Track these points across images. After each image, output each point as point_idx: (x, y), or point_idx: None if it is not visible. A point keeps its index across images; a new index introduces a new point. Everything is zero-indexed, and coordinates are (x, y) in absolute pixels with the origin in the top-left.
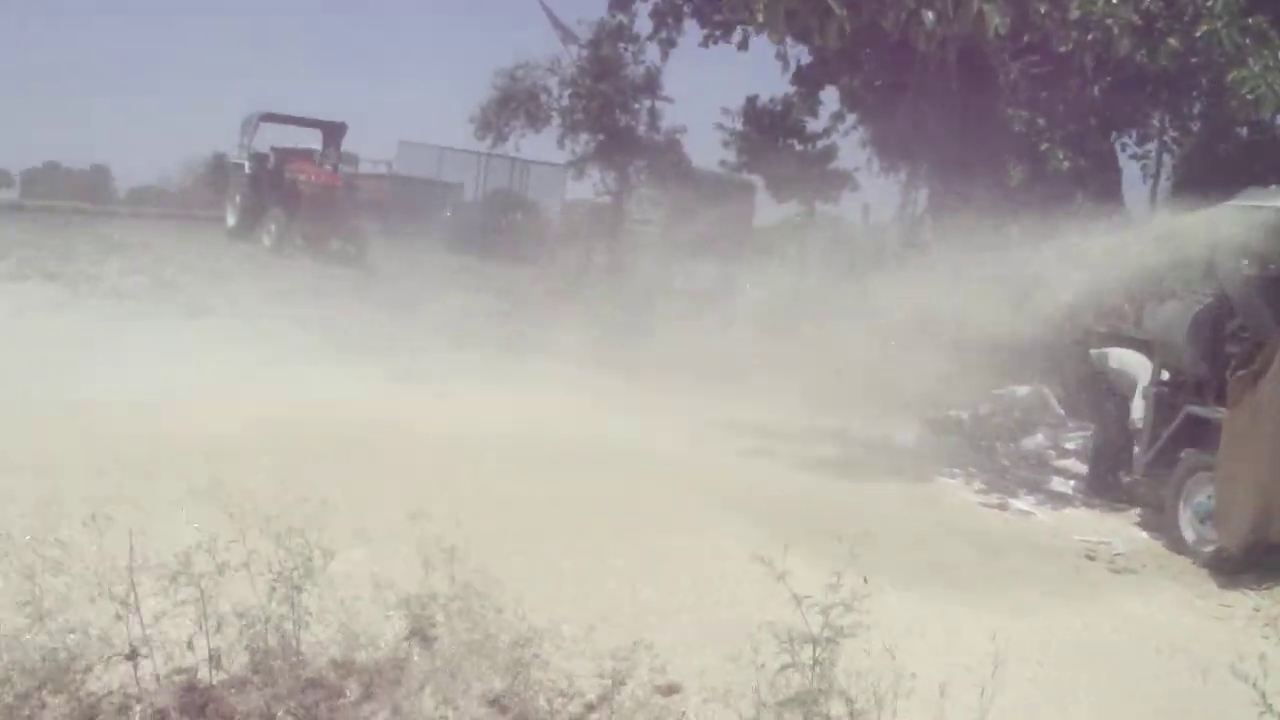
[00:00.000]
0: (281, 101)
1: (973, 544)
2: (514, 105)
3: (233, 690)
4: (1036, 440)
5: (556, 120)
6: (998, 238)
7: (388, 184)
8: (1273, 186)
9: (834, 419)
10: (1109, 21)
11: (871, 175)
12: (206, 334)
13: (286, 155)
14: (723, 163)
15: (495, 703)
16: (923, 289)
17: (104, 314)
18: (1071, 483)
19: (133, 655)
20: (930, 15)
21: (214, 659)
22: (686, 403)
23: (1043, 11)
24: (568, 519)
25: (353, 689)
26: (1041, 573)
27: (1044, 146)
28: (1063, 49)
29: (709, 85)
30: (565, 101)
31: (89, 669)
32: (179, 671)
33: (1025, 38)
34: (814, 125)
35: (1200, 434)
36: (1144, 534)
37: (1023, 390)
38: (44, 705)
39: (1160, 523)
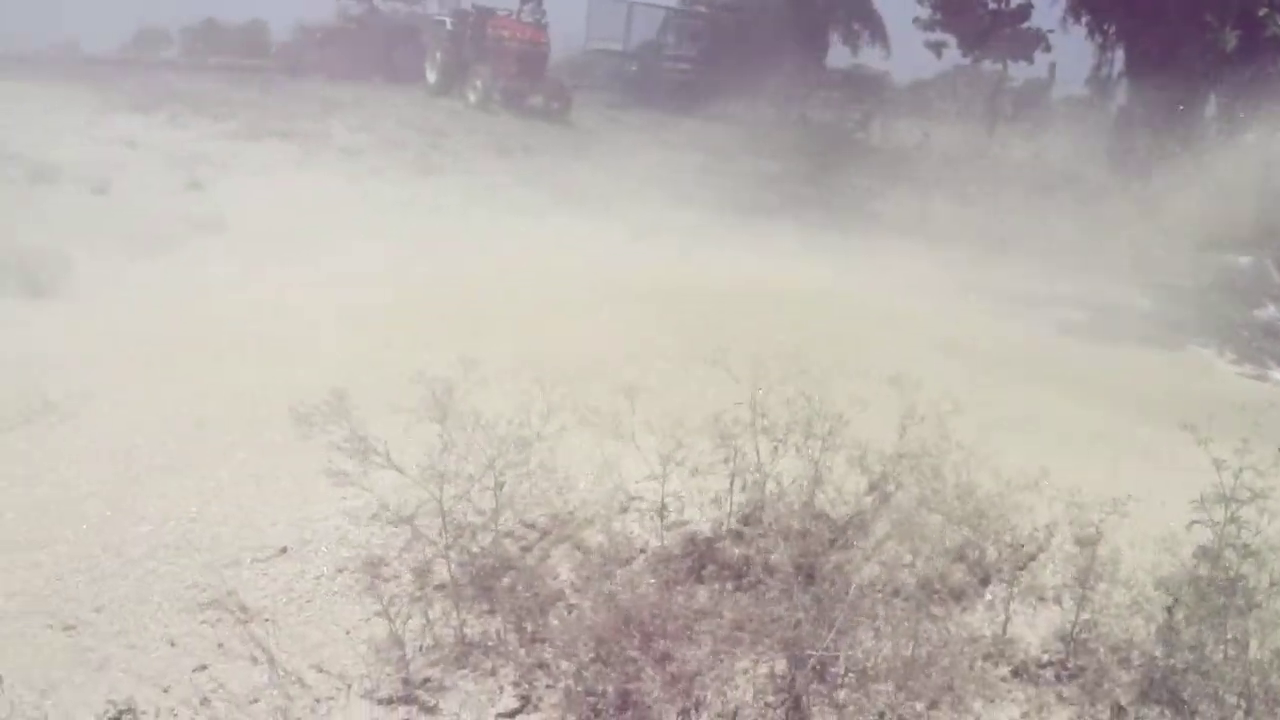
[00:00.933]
0: None
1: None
2: None
3: (729, 539)
4: (1269, 312)
5: None
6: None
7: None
8: None
9: (1071, 284)
10: None
11: (1065, 34)
12: (448, 191)
13: (487, 12)
14: (915, 20)
15: (953, 552)
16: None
17: (344, 173)
18: None
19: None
20: None
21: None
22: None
23: None
24: None
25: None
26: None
27: (1262, 12)
28: None
29: None
30: None
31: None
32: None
33: None
34: None
35: None
36: None
37: (1244, 260)
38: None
39: None
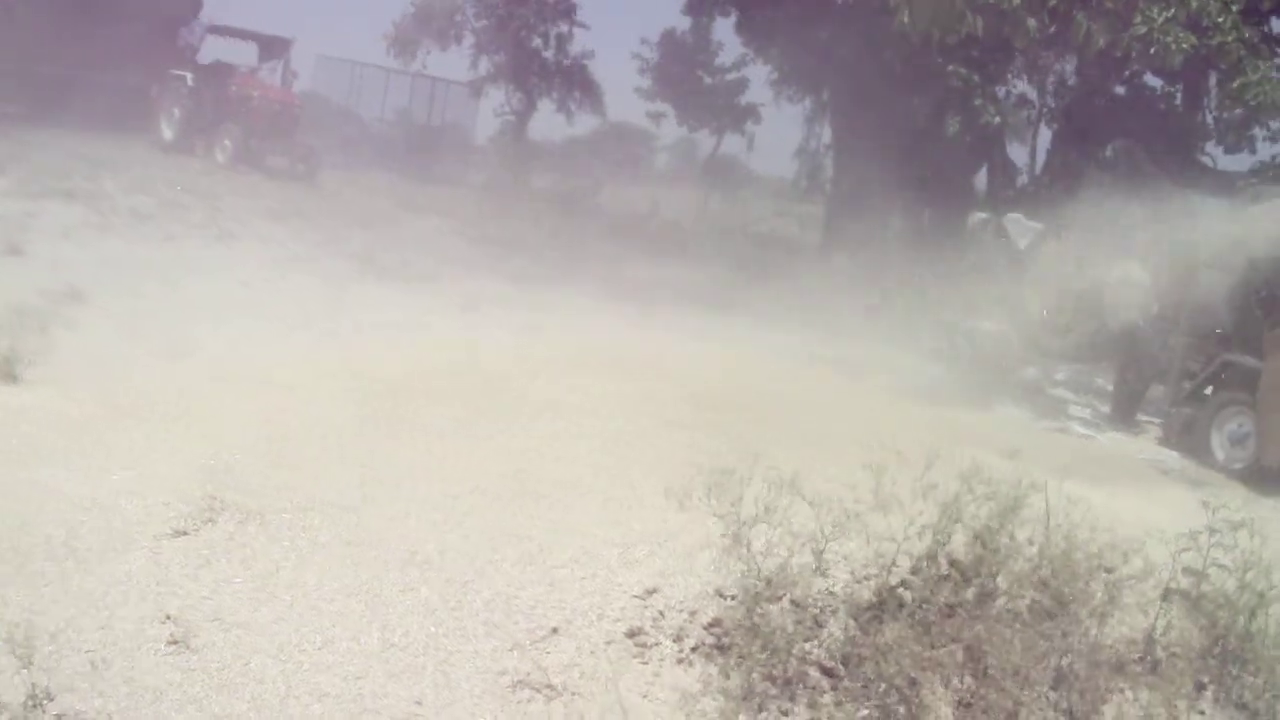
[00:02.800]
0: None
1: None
2: (431, 23)
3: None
4: (1031, 373)
5: (469, 40)
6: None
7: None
8: None
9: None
10: (1168, 39)
11: (777, 109)
12: (257, 259)
13: (229, 70)
14: (637, 90)
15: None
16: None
17: (144, 237)
18: (1087, 411)
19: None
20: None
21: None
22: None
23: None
24: None
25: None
26: (1147, 477)
27: (977, 102)
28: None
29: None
30: (477, 21)
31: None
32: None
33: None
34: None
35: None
36: (1174, 453)
37: (986, 325)
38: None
39: (1188, 445)
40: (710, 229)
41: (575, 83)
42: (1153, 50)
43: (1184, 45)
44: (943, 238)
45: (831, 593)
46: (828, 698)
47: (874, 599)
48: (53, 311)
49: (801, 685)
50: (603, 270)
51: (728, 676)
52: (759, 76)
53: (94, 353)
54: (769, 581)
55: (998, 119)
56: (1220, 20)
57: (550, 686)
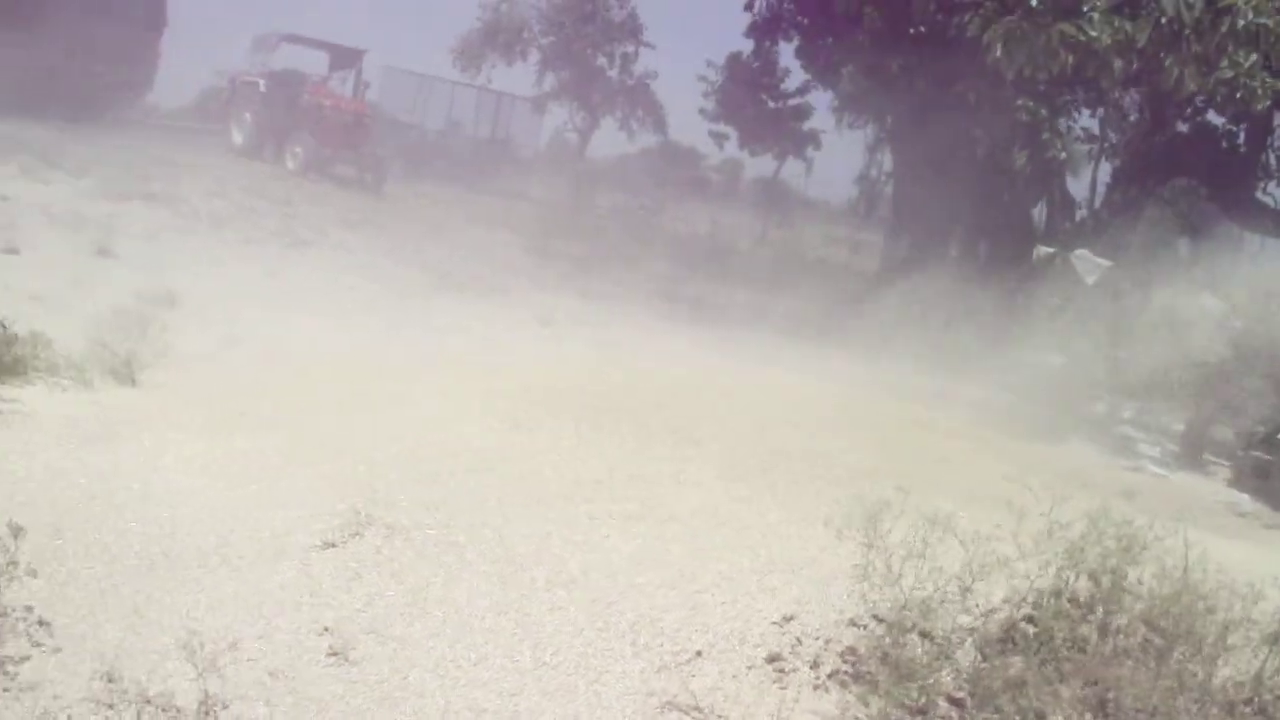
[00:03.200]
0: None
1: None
2: (498, 37)
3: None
4: (1100, 409)
5: (535, 55)
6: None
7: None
8: None
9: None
10: (1254, 84)
11: (839, 135)
12: (333, 267)
13: (301, 78)
14: (701, 111)
15: None
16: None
17: (223, 241)
18: (1157, 449)
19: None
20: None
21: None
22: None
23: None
24: None
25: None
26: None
27: (1045, 136)
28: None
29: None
30: (546, 38)
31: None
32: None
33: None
34: (788, 85)
35: None
36: (1245, 494)
37: (1057, 360)
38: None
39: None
40: (769, 252)
41: (639, 102)
42: (1239, 95)
43: (1270, 88)
44: (1001, 269)
45: (959, 625)
46: None
47: (1001, 633)
48: (151, 314)
49: (933, 714)
50: (667, 289)
51: (866, 704)
52: (822, 102)
53: (199, 355)
54: (904, 610)
55: (1064, 154)
56: None
57: (698, 709)
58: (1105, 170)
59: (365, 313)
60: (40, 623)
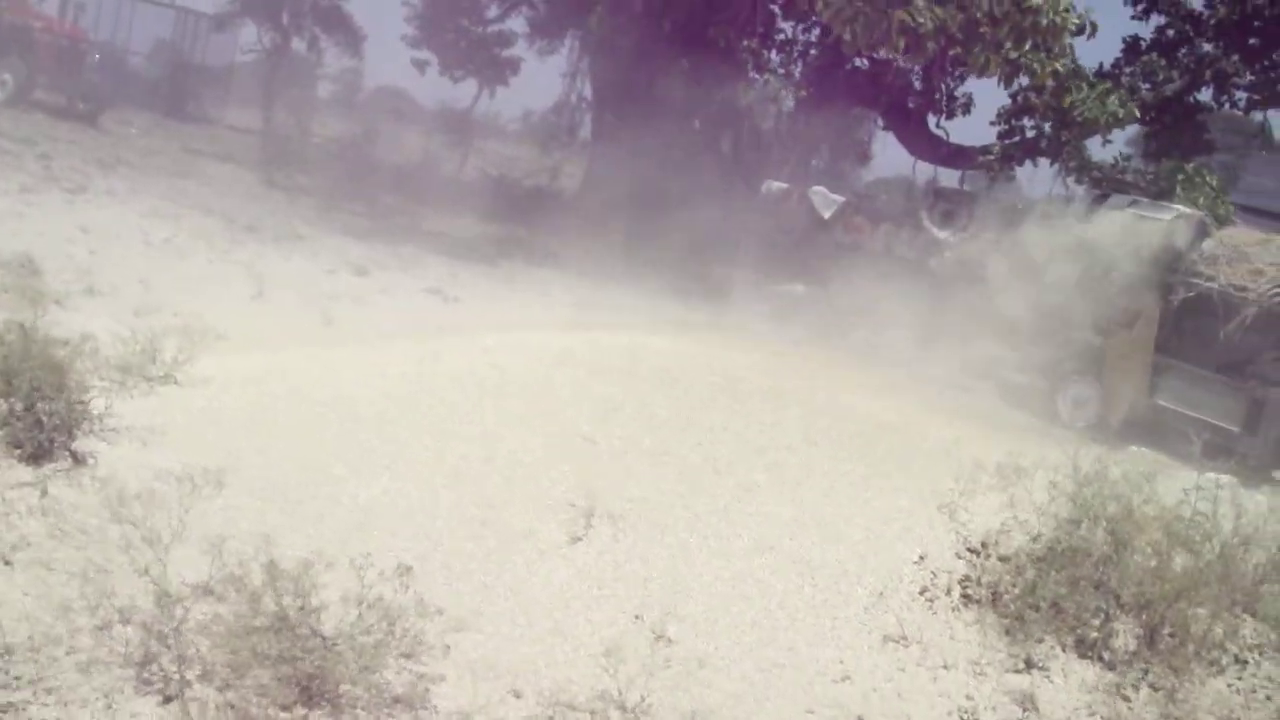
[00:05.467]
0: None
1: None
2: None
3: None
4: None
5: None
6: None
7: None
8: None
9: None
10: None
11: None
12: (131, 218)
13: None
14: (403, 37)
15: None
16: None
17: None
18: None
19: None
20: None
21: None
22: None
23: None
24: None
25: None
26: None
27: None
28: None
29: None
30: None
31: None
32: None
33: None
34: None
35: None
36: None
37: (799, 288)
38: None
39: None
40: (487, 184)
41: (331, 22)
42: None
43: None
44: (709, 202)
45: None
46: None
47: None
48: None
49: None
50: (440, 225)
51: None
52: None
53: None
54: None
55: (764, 80)
56: None
57: (904, 638)
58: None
59: (238, 276)
60: None
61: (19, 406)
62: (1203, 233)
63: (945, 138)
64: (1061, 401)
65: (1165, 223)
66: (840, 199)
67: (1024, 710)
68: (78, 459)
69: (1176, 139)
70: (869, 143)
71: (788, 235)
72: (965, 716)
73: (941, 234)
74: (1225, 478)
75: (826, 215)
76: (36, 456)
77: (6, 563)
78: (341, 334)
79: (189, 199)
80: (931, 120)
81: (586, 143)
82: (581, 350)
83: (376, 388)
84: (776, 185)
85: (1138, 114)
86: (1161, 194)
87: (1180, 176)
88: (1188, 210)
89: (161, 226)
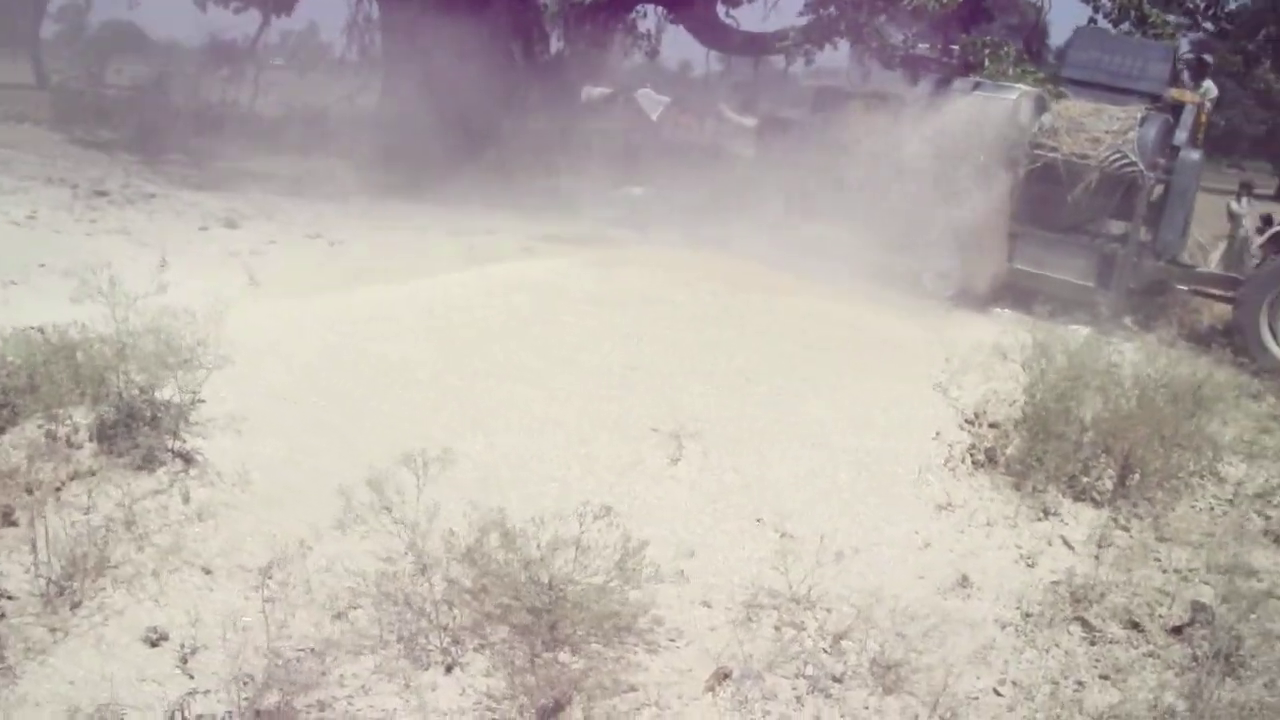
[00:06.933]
0: None
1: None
2: None
3: None
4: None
5: None
6: None
7: None
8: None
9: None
10: None
11: None
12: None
13: None
14: None
15: None
16: None
17: None
18: None
19: None
20: None
21: None
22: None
23: None
24: None
25: None
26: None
27: None
28: None
29: None
30: None
31: None
32: None
33: None
34: None
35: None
36: None
37: (638, 191)
38: None
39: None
40: (278, 115)
41: None
42: None
43: None
44: (518, 112)
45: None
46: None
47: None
48: None
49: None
50: (264, 166)
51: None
52: None
53: None
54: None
55: None
56: None
57: (951, 505)
58: None
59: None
60: None
61: (110, 413)
62: (1042, 108)
63: (736, 25)
64: (926, 276)
65: (1011, 101)
66: (665, 99)
67: (1067, 548)
68: (187, 459)
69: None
70: (658, 36)
71: (618, 139)
72: (1028, 561)
73: (747, 121)
74: (1084, 329)
75: (654, 116)
76: (146, 463)
77: (207, 571)
78: (275, 289)
79: (17, 169)
80: (721, 10)
81: (379, 65)
82: (554, 280)
83: (411, 341)
84: (598, 90)
85: None
86: (969, 69)
87: (986, 50)
88: (1027, 88)
89: (13, 203)
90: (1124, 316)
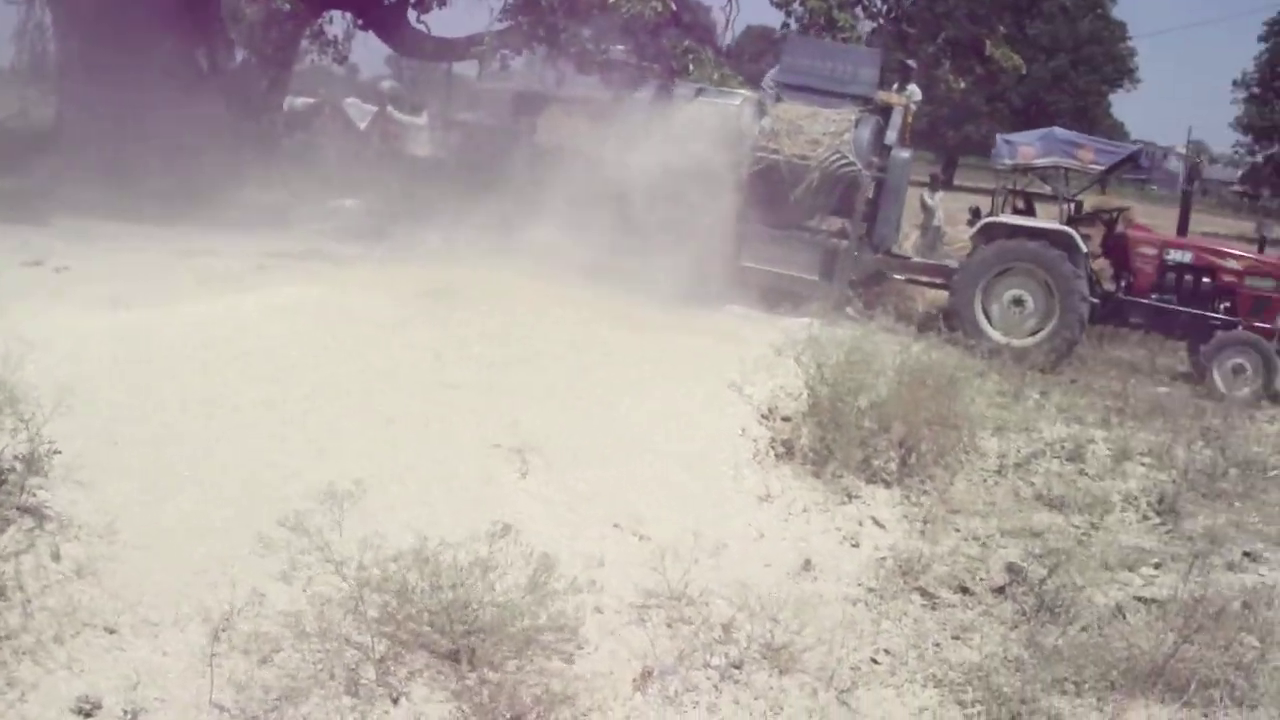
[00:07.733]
0: None
1: None
2: None
3: None
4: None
5: None
6: None
7: None
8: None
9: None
10: None
11: None
12: None
13: None
14: None
15: None
16: None
17: None
18: None
19: None
20: None
21: None
22: None
23: None
24: None
25: None
26: None
27: None
28: None
29: None
30: None
31: None
32: None
33: None
34: None
35: None
36: None
37: (349, 202)
38: None
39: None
40: None
41: None
42: None
43: None
44: (213, 123)
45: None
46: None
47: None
48: None
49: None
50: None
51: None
52: None
53: None
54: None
55: None
56: None
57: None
58: None
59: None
60: None
61: None
62: (761, 111)
63: (427, 31)
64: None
65: (735, 106)
66: (373, 108)
67: (878, 526)
68: (37, 514)
69: None
70: (348, 43)
71: (326, 149)
72: (851, 542)
73: (418, 121)
74: (815, 322)
75: (362, 126)
76: None
77: (111, 630)
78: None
79: None
80: (412, 15)
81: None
82: (327, 302)
83: (215, 372)
84: (301, 100)
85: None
86: (674, 74)
87: (689, 56)
88: (748, 93)
89: None
90: (846, 307)
